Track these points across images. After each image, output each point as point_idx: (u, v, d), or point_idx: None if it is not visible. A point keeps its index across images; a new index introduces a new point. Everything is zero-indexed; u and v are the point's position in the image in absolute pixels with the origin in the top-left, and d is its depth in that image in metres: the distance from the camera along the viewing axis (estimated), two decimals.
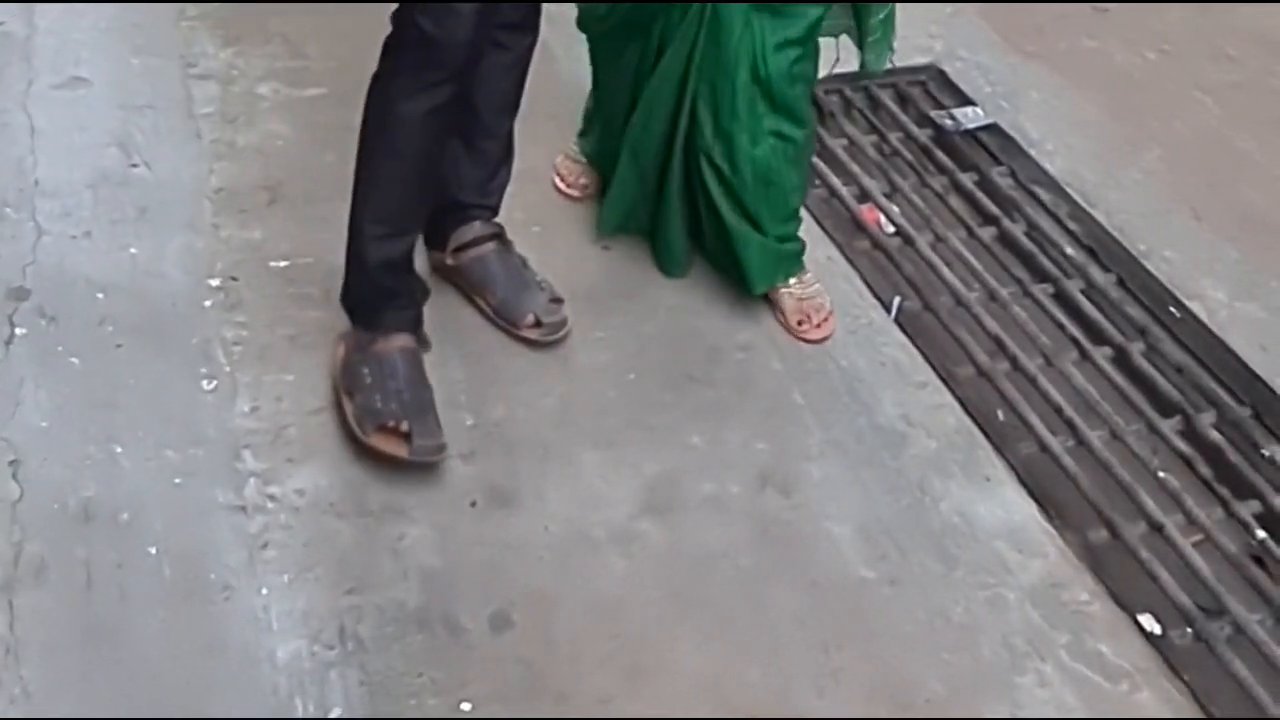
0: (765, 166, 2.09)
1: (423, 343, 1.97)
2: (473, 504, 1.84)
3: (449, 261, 2.14)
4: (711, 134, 2.08)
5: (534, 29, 1.99)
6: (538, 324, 2.10)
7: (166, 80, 2.67)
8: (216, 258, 2.24)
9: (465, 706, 1.61)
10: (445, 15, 1.70)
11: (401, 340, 1.91)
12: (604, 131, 2.31)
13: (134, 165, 2.43)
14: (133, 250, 2.24)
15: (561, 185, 2.43)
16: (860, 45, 2.22)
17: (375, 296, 1.92)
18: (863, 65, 2.24)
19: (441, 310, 2.10)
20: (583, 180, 2.42)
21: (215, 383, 2.00)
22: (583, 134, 2.43)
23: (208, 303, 2.15)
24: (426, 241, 2.14)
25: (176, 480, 1.83)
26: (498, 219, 2.16)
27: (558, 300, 2.14)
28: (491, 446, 1.95)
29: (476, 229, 2.12)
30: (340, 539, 1.78)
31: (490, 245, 2.13)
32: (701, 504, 1.91)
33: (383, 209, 1.86)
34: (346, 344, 1.95)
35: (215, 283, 2.19)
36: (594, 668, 1.67)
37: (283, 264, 2.24)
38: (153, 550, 1.73)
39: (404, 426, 1.82)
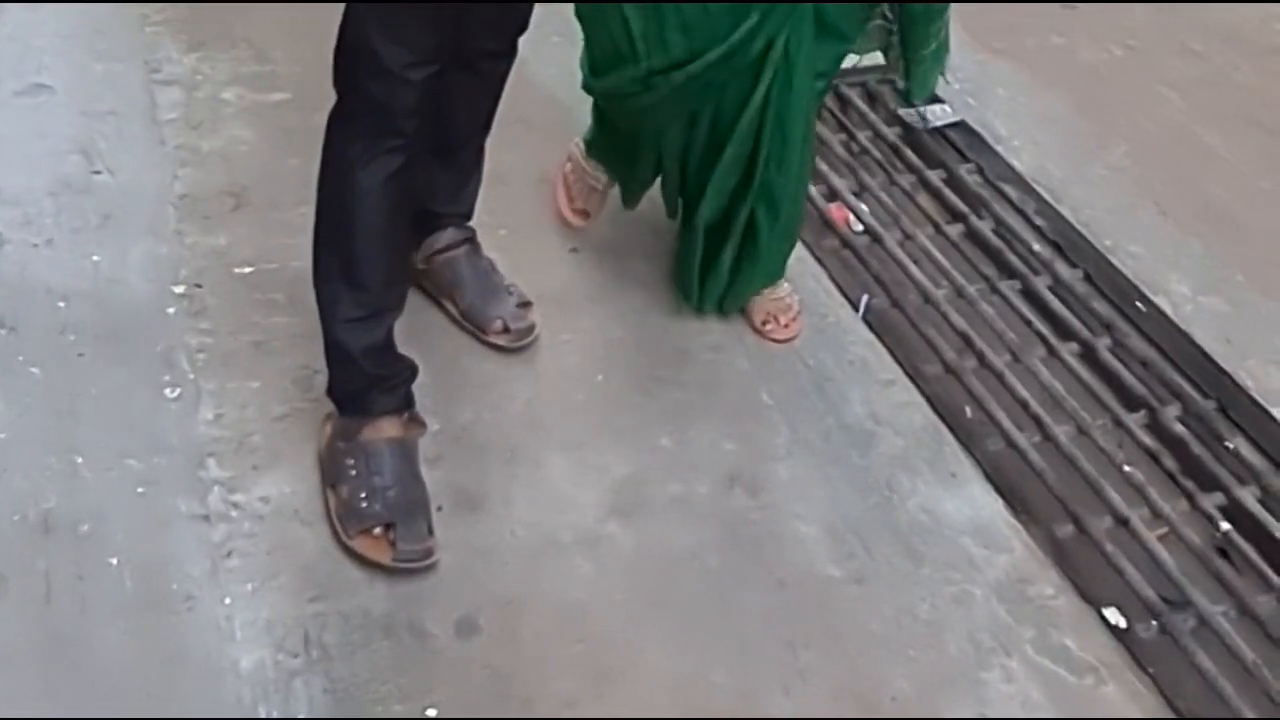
0: (799, 209, 2.12)
1: (415, 423, 1.85)
2: (439, 509, 1.82)
3: (419, 266, 2.11)
4: (760, 185, 2.01)
5: (513, 53, 1.95)
6: (505, 330, 2.09)
7: (130, 86, 2.65)
8: (180, 264, 2.22)
9: (431, 713, 1.60)
10: (398, 83, 1.63)
11: (391, 428, 1.80)
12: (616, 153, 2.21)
13: (96, 172, 2.42)
14: (95, 258, 2.22)
15: (564, 204, 2.31)
16: (906, 74, 2.09)
17: (362, 384, 1.81)
18: (905, 93, 2.20)
19: (409, 313, 2.09)
20: (593, 188, 2.27)
21: (179, 390, 1.99)
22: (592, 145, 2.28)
23: (171, 310, 2.13)
24: None
25: (139, 490, 1.82)
26: (469, 223, 2.15)
27: (526, 304, 2.12)
28: (458, 451, 1.94)
29: (448, 236, 2.10)
30: (305, 546, 1.77)
31: (461, 250, 2.11)
32: (669, 505, 1.91)
33: (358, 291, 1.75)
34: (333, 427, 1.84)
35: (179, 290, 2.17)
36: (560, 672, 1.66)
37: (247, 270, 2.22)
38: (114, 561, 1.71)
39: (389, 534, 1.73)
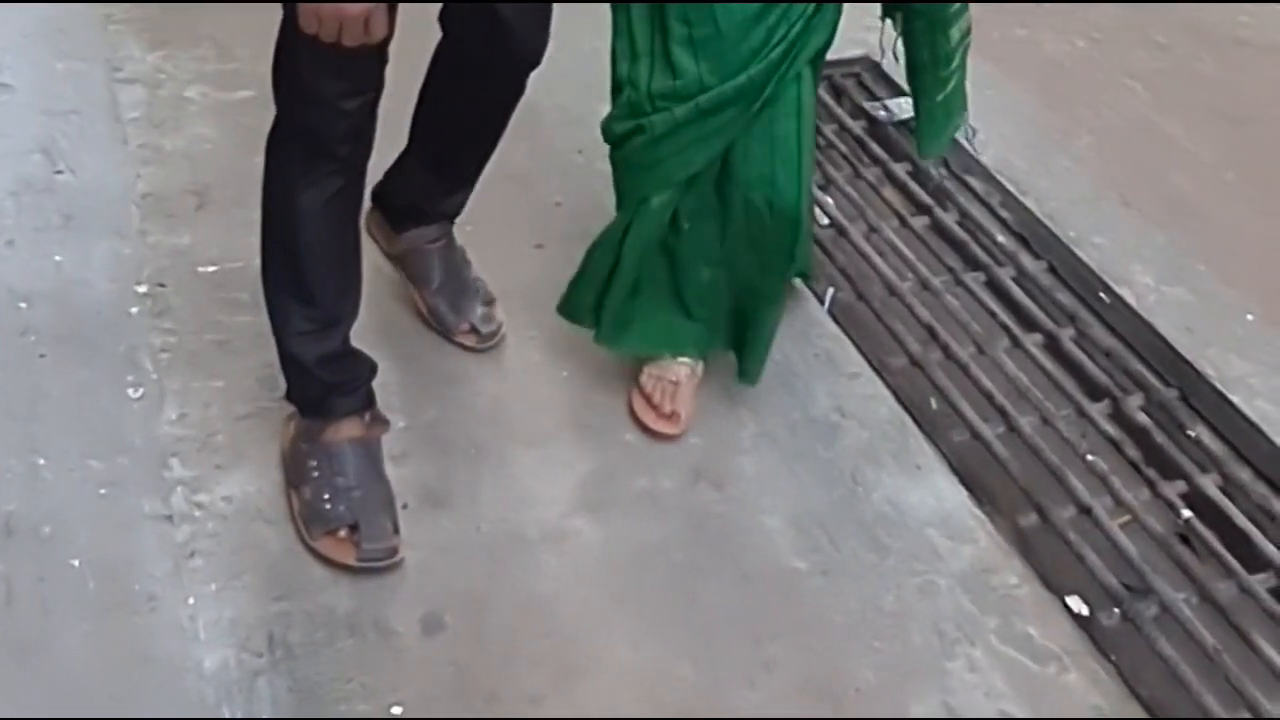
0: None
1: (378, 421, 1.83)
2: (404, 506, 1.82)
3: (393, 251, 2.12)
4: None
5: (520, 91, 1.89)
6: (473, 331, 2.09)
7: (92, 85, 2.63)
8: (143, 264, 2.21)
9: (396, 710, 1.60)
10: (332, 113, 1.58)
11: (353, 429, 1.79)
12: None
13: (58, 172, 2.40)
14: (57, 258, 2.21)
15: (648, 415, 1.99)
16: (917, 123, 1.96)
17: (319, 392, 1.79)
18: (917, 146, 2.02)
19: (373, 309, 2.08)
20: (672, 382, 2.00)
21: (142, 391, 1.98)
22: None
23: (134, 310, 2.12)
24: (380, 208, 2.09)
25: (101, 491, 1.81)
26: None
27: (491, 302, 2.13)
28: (424, 448, 1.94)
29: (427, 231, 2.09)
30: (269, 546, 1.77)
31: (437, 244, 2.10)
32: (635, 500, 1.91)
33: (307, 307, 1.73)
34: (295, 428, 1.83)
35: (142, 289, 2.16)
36: (526, 668, 1.66)
37: (211, 269, 2.21)
38: (76, 563, 1.70)
39: (354, 536, 1.72)
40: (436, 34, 1.84)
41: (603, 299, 1.95)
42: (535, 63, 1.83)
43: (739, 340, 2.01)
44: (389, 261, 2.15)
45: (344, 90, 1.58)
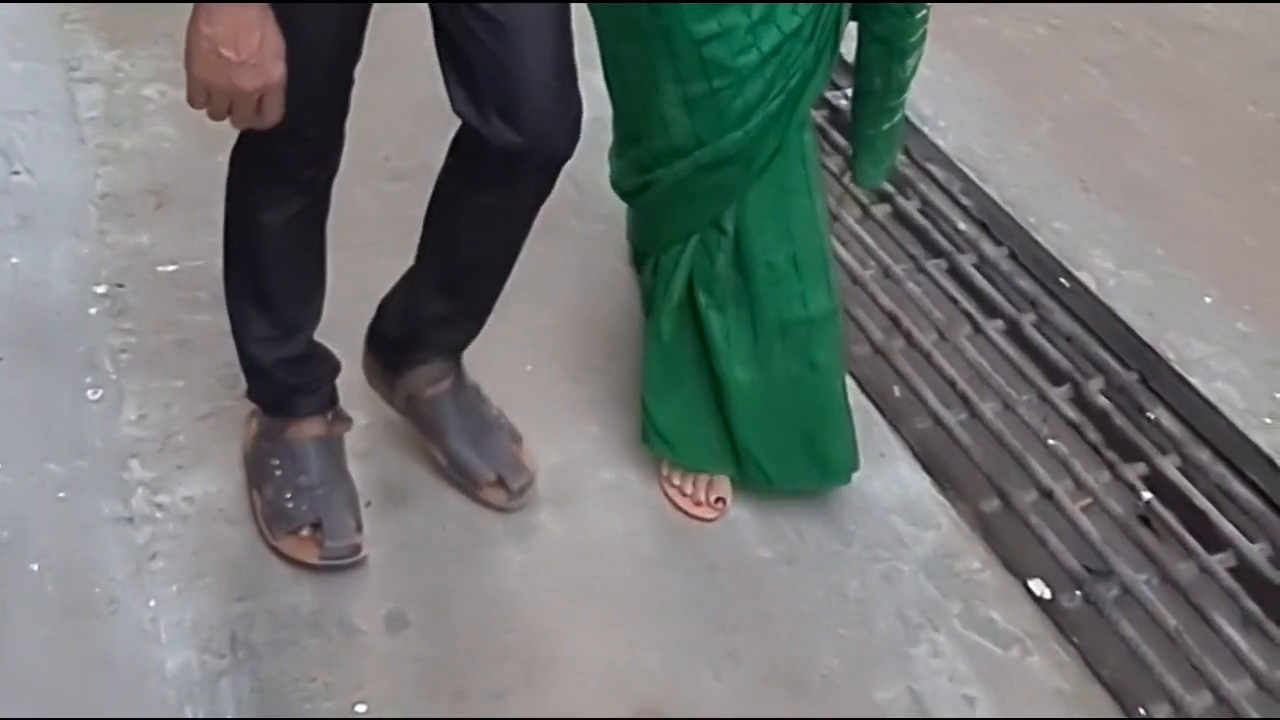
0: None
1: (340, 419, 1.80)
2: (367, 504, 1.81)
3: (397, 405, 1.85)
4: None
5: (551, 183, 1.60)
6: (500, 485, 1.81)
7: (49, 84, 2.61)
8: (102, 264, 2.20)
9: (360, 708, 1.59)
10: (297, 141, 1.50)
11: (315, 427, 1.76)
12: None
13: (15, 173, 2.38)
14: (14, 260, 2.19)
15: (684, 501, 1.88)
16: (854, 153, 1.86)
17: (280, 393, 1.76)
18: (856, 176, 1.90)
19: (336, 307, 2.05)
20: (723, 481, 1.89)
21: (101, 392, 1.96)
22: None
23: (93, 310, 2.11)
24: (373, 352, 1.84)
25: (60, 494, 1.80)
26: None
27: (518, 440, 1.87)
28: (386, 444, 1.93)
29: (430, 371, 1.80)
30: (231, 546, 1.76)
31: (444, 385, 1.81)
32: (600, 493, 1.91)
33: (269, 314, 1.69)
34: (257, 426, 1.80)
35: (101, 290, 2.15)
36: (491, 663, 1.66)
37: (171, 268, 2.20)
38: (35, 567, 1.69)
39: (316, 534, 1.70)
40: (429, 37, 1.56)
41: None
42: (566, 154, 1.55)
43: (817, 457, 1.84)
44: (399, 412, 1.87)
45: (308, 119, 1.48)
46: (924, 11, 1.68)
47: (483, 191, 1.58)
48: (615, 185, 1.86)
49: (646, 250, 1.86)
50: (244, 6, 1.31)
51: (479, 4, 1.44)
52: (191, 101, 1.37)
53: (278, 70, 1.34)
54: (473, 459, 1.81)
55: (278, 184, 1.59)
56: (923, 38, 1.72)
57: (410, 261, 1.76)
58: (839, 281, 1.82)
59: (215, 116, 1.37)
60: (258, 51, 1.31)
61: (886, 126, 1.80)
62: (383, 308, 1.82)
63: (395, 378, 1.83)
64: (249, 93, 1.33)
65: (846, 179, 2.16)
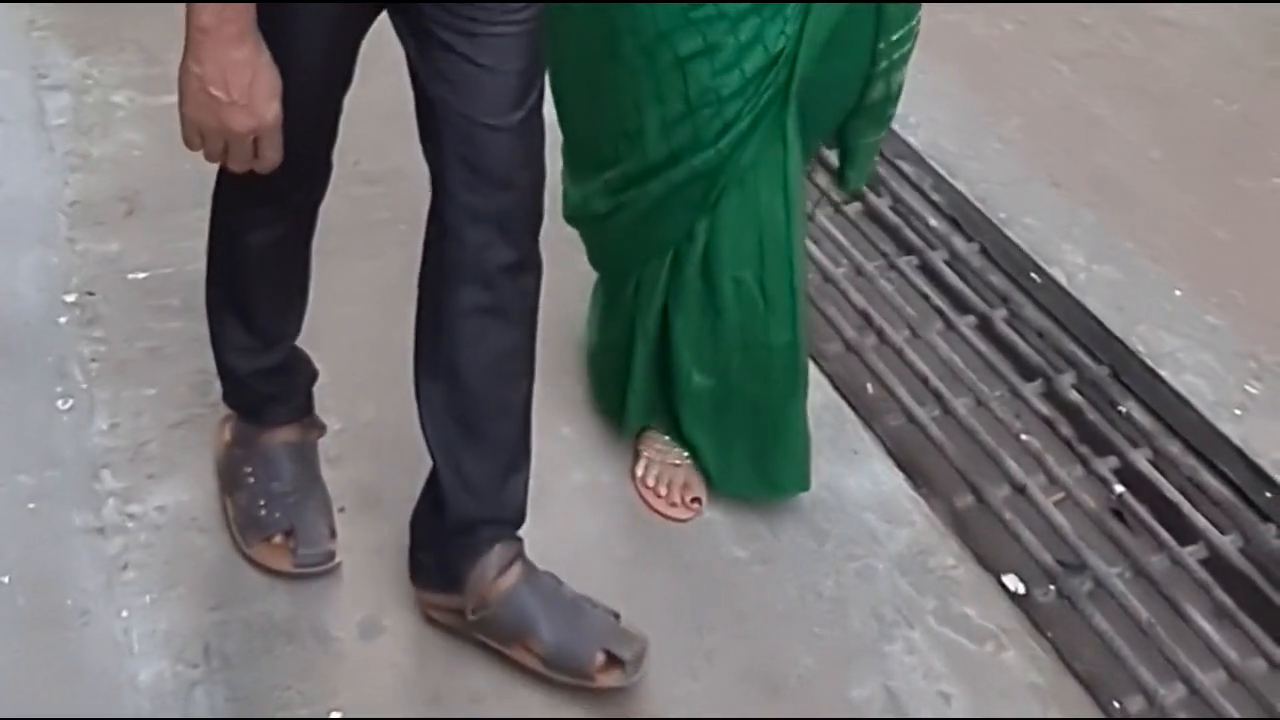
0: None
1: (314, 425, 1.79)
2: (341, 510, 1.81)
3: (471, 618, 1.60)
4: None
5: (535, 266, 1.53)
6: (615, 662, 1.57)
7: (16, 92, 2.59)
8: (72, 273, 2.18)
9: (335, 715, 1.59)
10: (281, 166, 1.42)
11: (289, 433, 1.75)
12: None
13: None
14: None
15: (659, 502, 1.88)
16: (845, 161, 1.83)
17: (255, 401, 1.75)
18: (842, 181, 1.87)
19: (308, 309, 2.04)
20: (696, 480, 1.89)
21: (71, 401, 1.95)
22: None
23: (63, 319, 2.10)
24: (423, 582, 1.66)
25: (30, 505, 1.78)
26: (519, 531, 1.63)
27: (615, 614, 1.63)
28: (360, 450, 1.93)
29: (496, 559, 1.58)
30: (204, 555, 1.75)
31: (515, 571, 1.59)
32: (573, 494, 1.91)
33: (248, 327, 1.67)
34: (231, 432, 1.79)
35: (71, 298, 2.13)
36: (467, 667, 1.66)
37: (141, 275, 2.19)
38: (5, 580, 1.68)
39: (290, 542, 1.69)
40: (397, 45, 1.49)
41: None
42: (537, 219, 1.49)
43: (764, 472, 1.84)
44: (463, 630, 1.65)
45: (299, 148, 1.42)
46: (919, 15, 1.69)
47: (473, 297, 1.50)
48: (578, 210, 1.81)
49: (621, 271, 1.83)
50: (234, 44, 1.26)
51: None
52: (187, 143, 1.33)
53: (271, 111, 1.30)
54: (575, 646, 1.57)
55: (264, 206, 1.57)
56: (913, 49, 1.72)
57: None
58: (808, 313, 1.79)
59: (211, 159, 1.33)
60: (248, 91, 1.27)
61: (875, 138, 1.80)
62: (413, 526, 1.68)
63: (459, 588, 1.59)
64: (241, 134, 1.29)
65: (819, 179, 2.16)
